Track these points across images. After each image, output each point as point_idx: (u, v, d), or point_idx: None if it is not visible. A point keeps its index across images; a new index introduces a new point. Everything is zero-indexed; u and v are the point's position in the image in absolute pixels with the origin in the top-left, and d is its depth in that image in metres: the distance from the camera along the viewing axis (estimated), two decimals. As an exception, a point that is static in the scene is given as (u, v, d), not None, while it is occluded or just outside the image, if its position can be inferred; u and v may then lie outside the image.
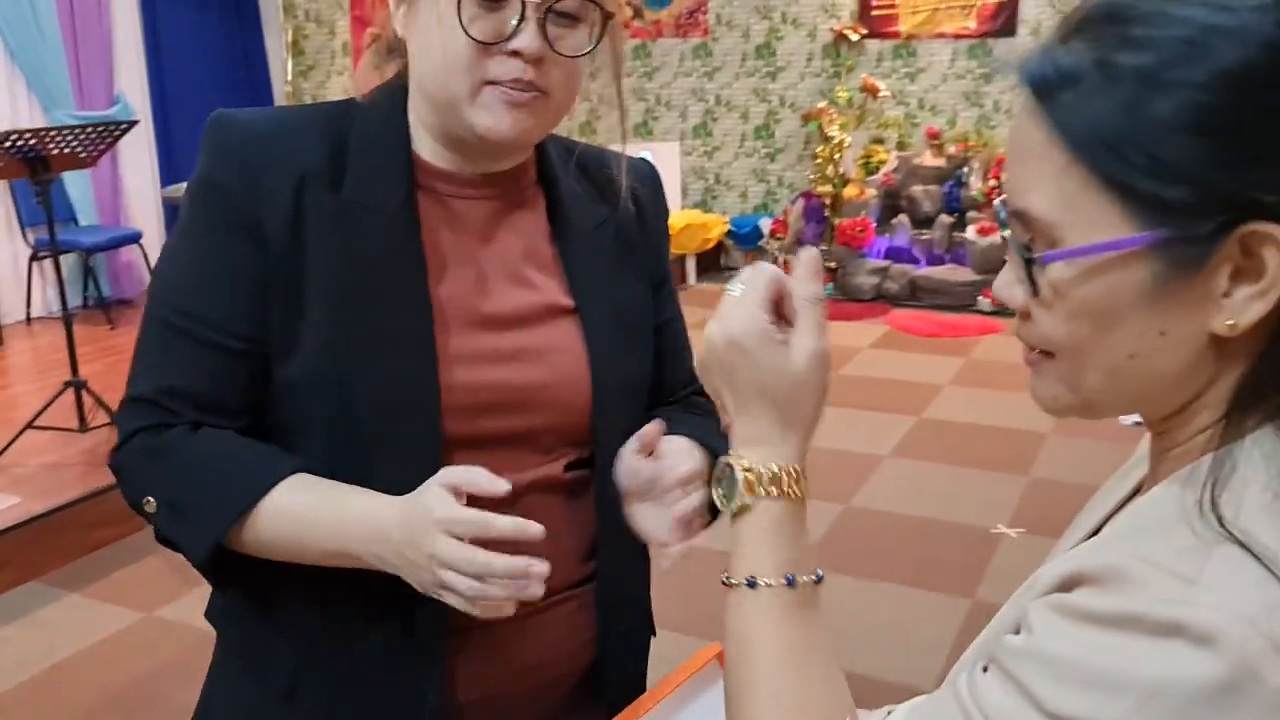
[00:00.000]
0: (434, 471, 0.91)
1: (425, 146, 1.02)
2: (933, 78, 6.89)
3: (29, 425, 3.84)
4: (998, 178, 6.46)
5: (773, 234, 7.05)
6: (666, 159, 7.48)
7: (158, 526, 1.00)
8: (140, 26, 6.29)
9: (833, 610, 3.18)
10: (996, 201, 6.28)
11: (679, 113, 7.70)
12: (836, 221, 6.85)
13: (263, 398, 0.98)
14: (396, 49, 1.03)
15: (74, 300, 5.86)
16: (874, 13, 6.92)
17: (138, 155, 6.16)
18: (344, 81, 7.10)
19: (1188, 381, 0.62)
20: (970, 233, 6.49)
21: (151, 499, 0.98)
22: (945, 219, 6.65)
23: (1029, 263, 0.62)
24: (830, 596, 3.35)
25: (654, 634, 1.21)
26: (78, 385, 3.96)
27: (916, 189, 6.77)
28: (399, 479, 0.92)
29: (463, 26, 0.92)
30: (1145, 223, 0.57)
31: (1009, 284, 0.65)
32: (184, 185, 3.18)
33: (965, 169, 6.68)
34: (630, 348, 1.09)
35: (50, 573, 3.39)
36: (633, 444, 0.98)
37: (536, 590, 0.87)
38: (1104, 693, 0.54)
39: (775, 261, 6.96)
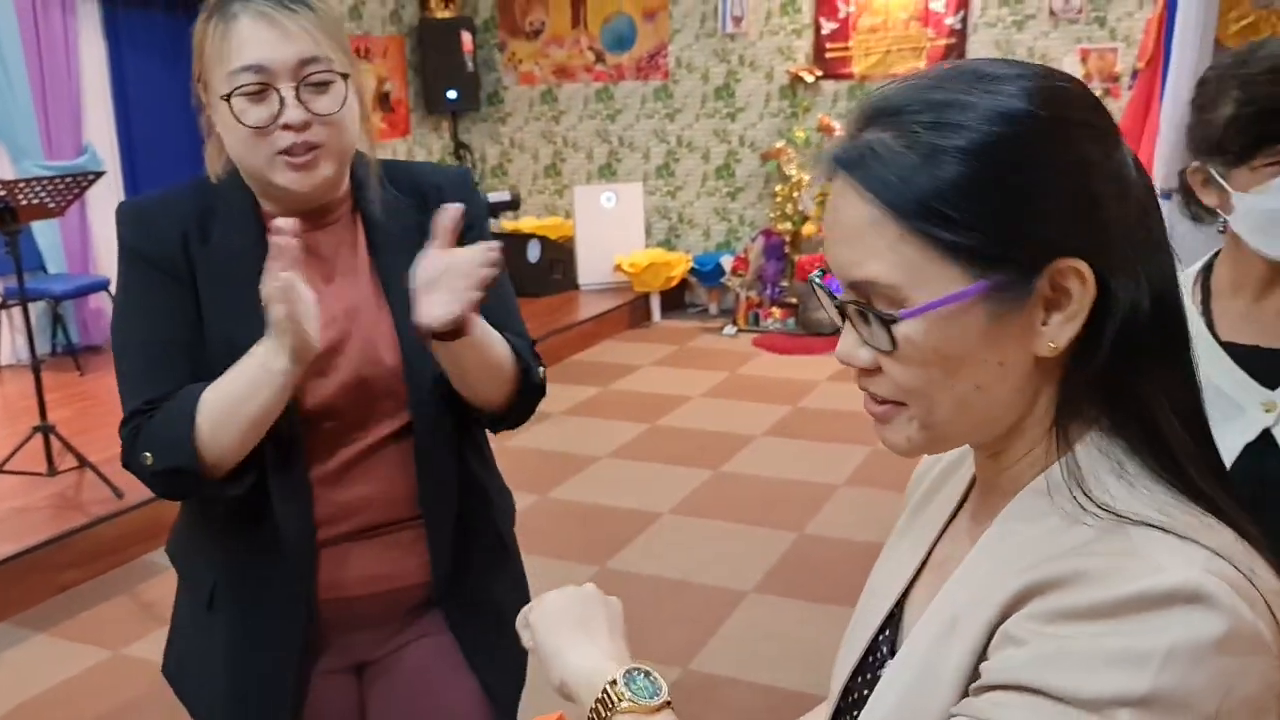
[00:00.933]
0: (293, 429, 1.31)
1: (265, 204, 1.36)
2: (886, 117, 7.08)
3: (-2, 470, 3.91)
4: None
5: (734, 271, 7.20)
6: (630, 199, 7.65)
7: (156, 465, 1.28)
8: (108, 78, 6.39)
9: (788, 633, 3.25)
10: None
11: (642, 154, 7.87)
12: (797, 258, 7.02)
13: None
14: (218, 143, 1.35)
15: (43, 347, 5.92)
16: (828, 55, 7.13)
17: (106, 204, 6.22)
18: (347, 144, 7.23)
19: (1021, 402, 0.73)
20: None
21: (148, 453, 1.28)
22: (901, 254, 6.82)
23: (887, 323, 0.70)
24: (785, 619, 3.40)
25: (517, 562, 1.58)
26: (46, 430, 4.02)
27: (873, 225, 6.94)
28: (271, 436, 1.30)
29: (238, 120, 1.25)
30: (973, 274, 0.69)
31: (853, 347, 0.74)
32: None
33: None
34: None
35: (18, 614, 3.44)
36: (434, 241, 1.26)
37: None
38: (1128, 668, 0.61)
39: (737, 298, 7.12)
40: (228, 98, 1.25)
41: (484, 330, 1.32)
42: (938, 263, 0.69)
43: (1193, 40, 3.68)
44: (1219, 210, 1.30)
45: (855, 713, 0.83)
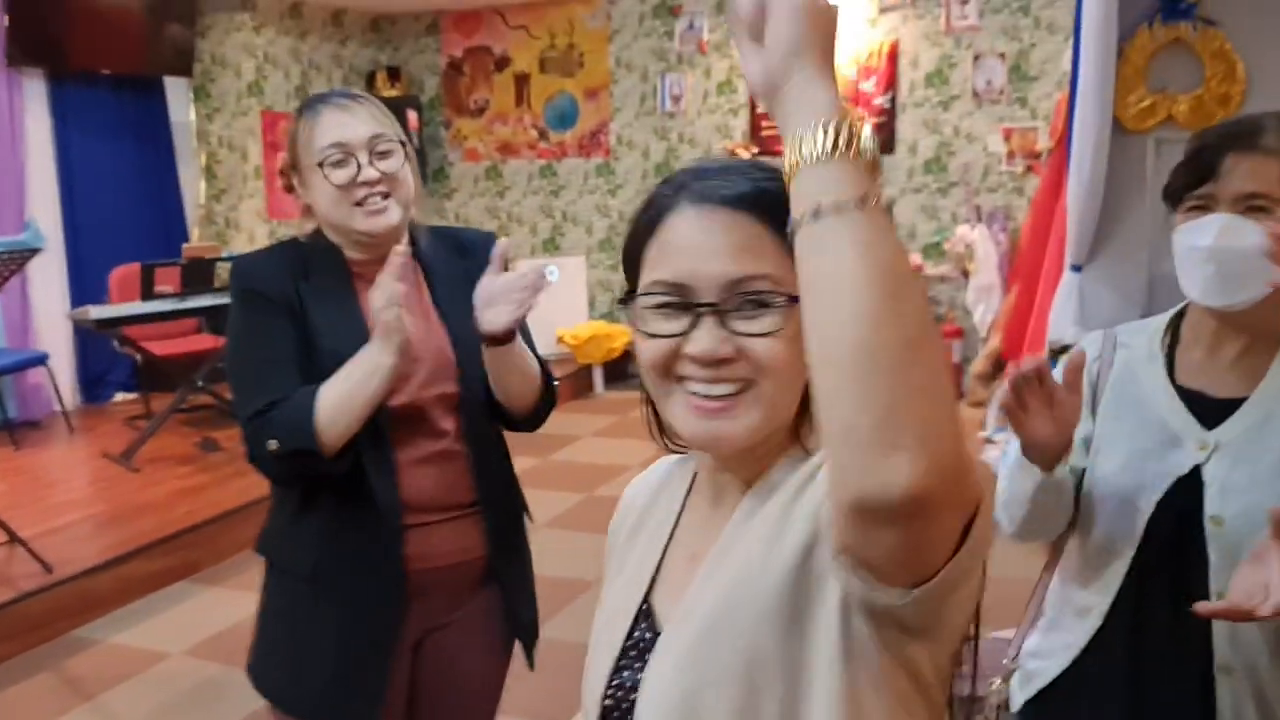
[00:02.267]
0: (382, 425, 1.64)
1: (349, 252, 1.73)
2: (821, 192, 7.32)
3: (-75, 546, 3.88)
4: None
5: (676, 341, 7.33)
6: (573, 272, 7.79)
7: (280, 450, 1.59)
8: (53, 154, 6.46)
9: None
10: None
11: (585, 228, 8.04)
12: (735, 328, 7.18)
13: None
14: (309, 209, 1.73)
15: (-21, 422, 5.89)
16: (764, 133, 7.37)
17: (48, 278, 6.26)
18: (255, 204, 7.31)
19: (799, 394, 0.87)
20: (860, 336, 6.84)
21: (273, 440, 1.59)
22: (837, 324, 7.00)
23: (791, 302, 0.81)
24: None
25: (527, 537, 1.91)
26: (-23, 505, 4.01)
27: (809, 296, 7.13)
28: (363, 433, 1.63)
29: (328, 181, 1.65)
30: None
31: (715, 342, 0.83)
32: (90, 308, 3.53)
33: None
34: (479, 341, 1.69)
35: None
36: (490, 269, 1.63)
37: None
38: None
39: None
40: (320, 165, 1.65)
41: (521, 343, 1.70)
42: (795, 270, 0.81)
43: (1093, 120, 3.89)
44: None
45: (624, 705, 0.92)
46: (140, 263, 5.47)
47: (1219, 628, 1.34)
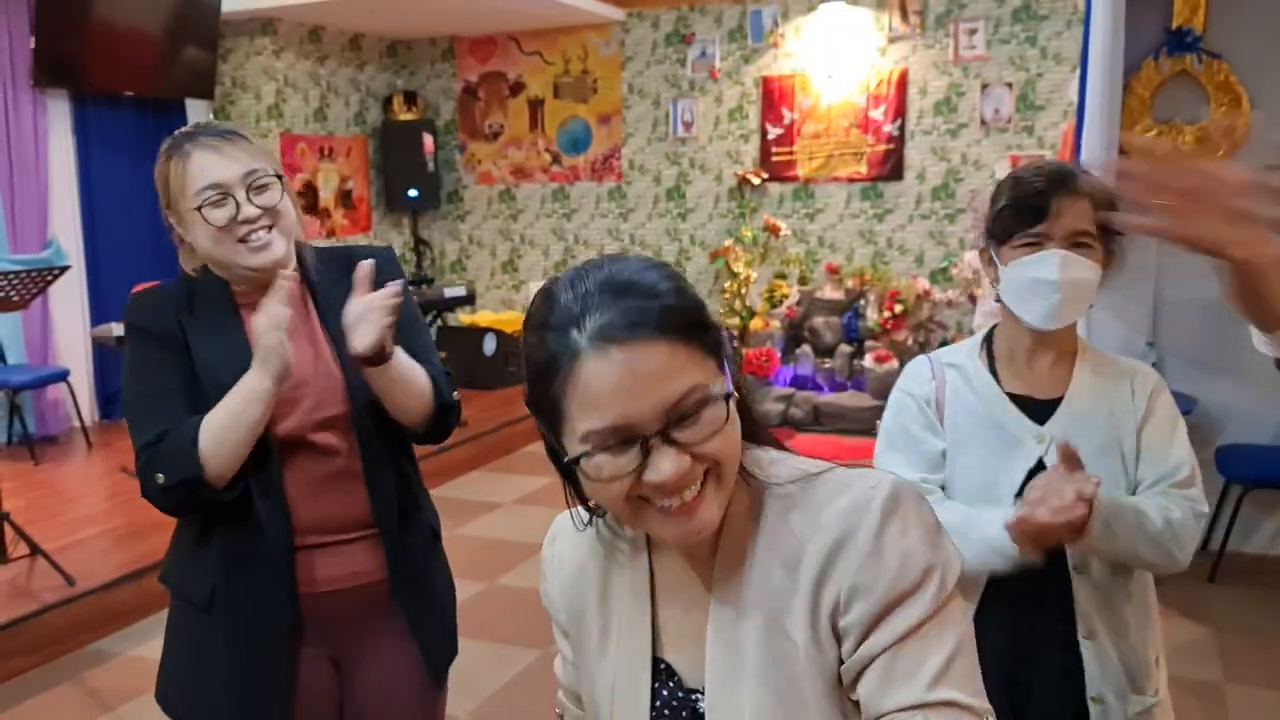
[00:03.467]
0: (269, 452, 1.66)
1: (235, 286, 1.74)
2: (830, 217, 7.41)
3: (-51, 558, 3.95)
4: (892, 309, 6.92)
5: (685, 364, 7.39)
6: (585, 294, 7.86)
7: (168, 481, 1.61)
8: (75, 174, 6.57)
9: None
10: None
11: (596, 251, 8.12)
12: (744, 351, 7.24)
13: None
14: (191, 247, 1.74)
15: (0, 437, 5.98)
16: (774, 159, 7.47)
17: (69, 297, 6.36)
18: (291, 228, 7.41)
19: None
20: (868, 360, 6.90)
21: (160, 474, 1.61)
22: (845, 348, 7.07)
23: (727, 399, 0.90)
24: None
25: (443, 556, 1.93)
26: (0, 517, 4.08)
27: (818, 320, 7.20)
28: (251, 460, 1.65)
29: (207, 222, 1.65)
30: (716, 360, 0.93)
31: (676, 463, 0.88)
32: (113, 325, 3.60)
33: (862, 301, 7.14)
34: None
35: (-35, 701, 3.47)
36: (355, 291, 1.64)
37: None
38: (916, 558, 0.91)
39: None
40: (199, 209, 1.65)
41: (403, 358, 1.71)
42: (707, 358, 0.92)
43: (1099, 151, 3.97)
44: (994, 284, 1.64)
45: None
46: (159, 281, 5.55)
47: (1080, 596, 1.61)
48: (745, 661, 0.95)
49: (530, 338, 0.93)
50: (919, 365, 1.76)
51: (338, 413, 1.72)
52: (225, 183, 1.65)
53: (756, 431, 1.01)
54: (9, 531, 4.09)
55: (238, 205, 1.65)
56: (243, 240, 1.66)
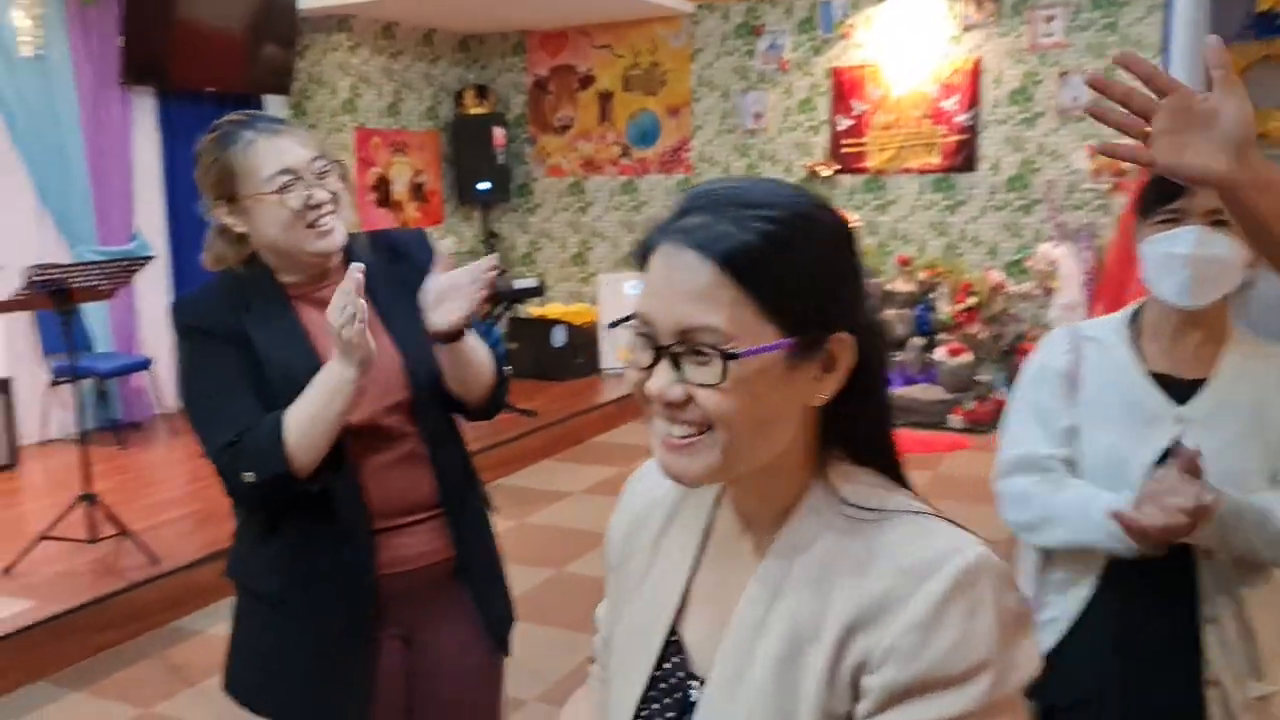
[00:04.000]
0: (341, 441, 1.65)
1: (285, 278, 1.75)
2: (901, 209, 7.34)
3: (43, 536, 4.11)
4: (965, 301, 6.83)
5: (754, 356, 7.38)
6: (653, 286, 7.89)
7: (257, 479, 1.62)
8: (160, 168, 6.77)
9: None
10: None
11: (665, 243, 8.14)
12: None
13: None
14: (240, 239, 1.74)
15: (88, 422, 6.17)
16: (844, 150, 7.41)
17: (152, 287, 6.54)
18: (349, 215, 7.54)
19: (786, 438, 0.90)
20: (940, 353, 6.82)
21: (249, 472, 1.62)
22: (917, 341, 6.99)
23: (726, 359, 0.84)
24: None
25: (493, 531, 1.94)
26: (89, 499, 4.24)
27: (889, 313, 7.13)
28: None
29: (286, 206, 1.66)
30: (784, 332, 0.86)
31: (668, 383, 0.86)
32: None
33: (934, 293, 7.06)
34: (426, 344, 1.72)
35: (57, 673, 3.61)
36: (435, 268, 1.68)
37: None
38: (972, 647, 0.83)
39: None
40: (277, 192, 1.66)
41: (473, 336, 1.74)
42: (760, 319, 0.85)
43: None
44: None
45: None
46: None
47: (1205, 579, 1.58)
48: (753, 672, 0.90)
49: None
50: (1057, 337, 1.75)
51: (402, 398, 1.74)
52: (296, 167, 1.67)
53: (862, 453, 0.94)
54: (98, 513, 4.23)
55: (309, 189, 1.67)
56: (311, 225, 1.68)
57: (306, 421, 1.61)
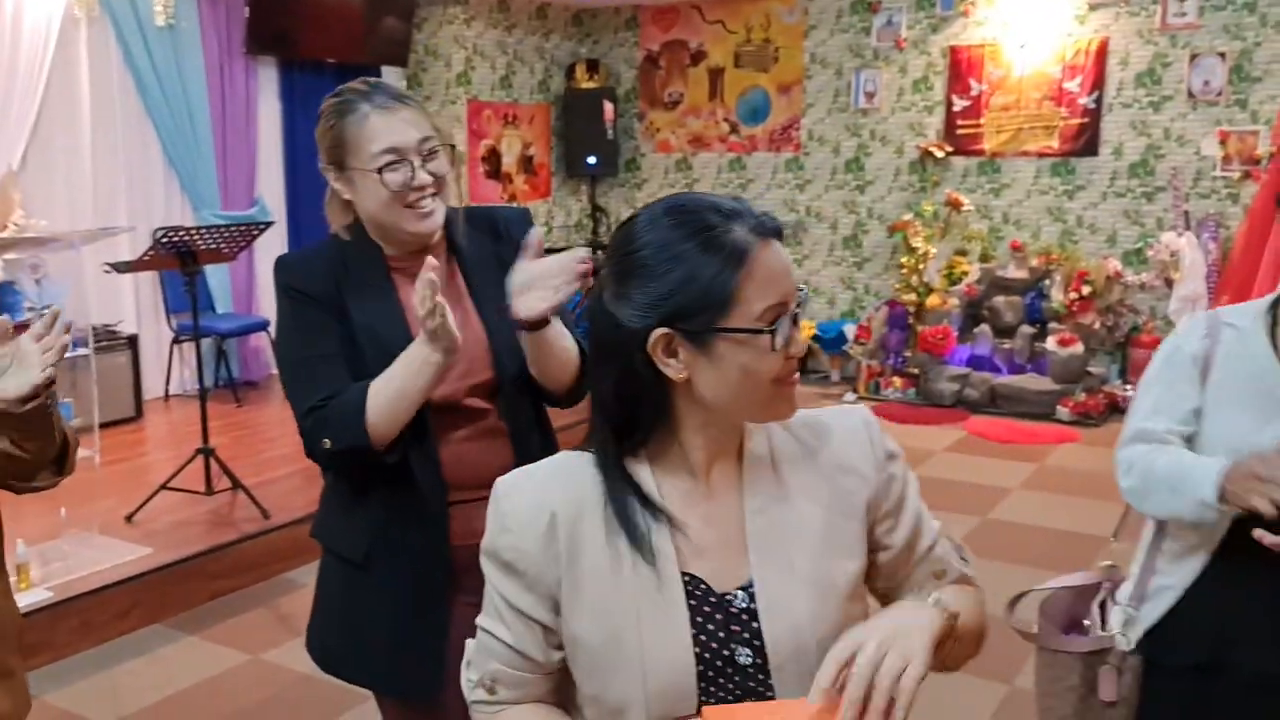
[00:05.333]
0: (424, 414, 1.67)
1: (388, 249, 1.76)
2: (1017, 193, 7.14)
3: (163, 486, 4.30)
4: (1079, 290, 6.62)
5: (857, 339, 7.30)
6: (757, 265, 7.84)
7: (334, 447, 1.65)
8: (281, 136, 6.98)
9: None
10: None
11: (771, 222, 8.07)
12: (920, 329, 7.08)
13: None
14: (347, 205, 1.76)
15: (208, 380, 6.43)
16: (959, 131, 7.24)
17: (271, 251, 6.75)
18: (459, 188, 7.67)
19: None
20: (1051, 343, 6.63)
21: (327, 439, 1.65)
22: (1026, 329, 6.81)
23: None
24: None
25: None
26: (207, 453, 4.42)
27: (999, 299, 6.96)
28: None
29: (385, 187, 1.67)
30: None
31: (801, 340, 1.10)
32: None
33: (1047, 281, 6.86)
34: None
35: (173, 617, 3.79)
36: (525, 254, 1.66)
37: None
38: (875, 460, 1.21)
39: (858, 366, 7.22)
40: (379, 170, 1.67)
41: (557, 324, 1.72)
42: None
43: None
44: None
45: (724, 660, 1.09)
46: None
47: None
48: (797, 553, 1.12)
49: (683, 245, 1.07)
50: (1197, 321, 1.79)
51: (485, 377, 1.75)
52: (403, 147, 1.66)
53: None
54: (214, 467, 4.42)
55: (413, 171, 1.67)
56: (410, 206, 1.69)
57: (390, 396, 1.64)
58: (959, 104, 7.22)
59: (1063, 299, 6.72)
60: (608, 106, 8.27)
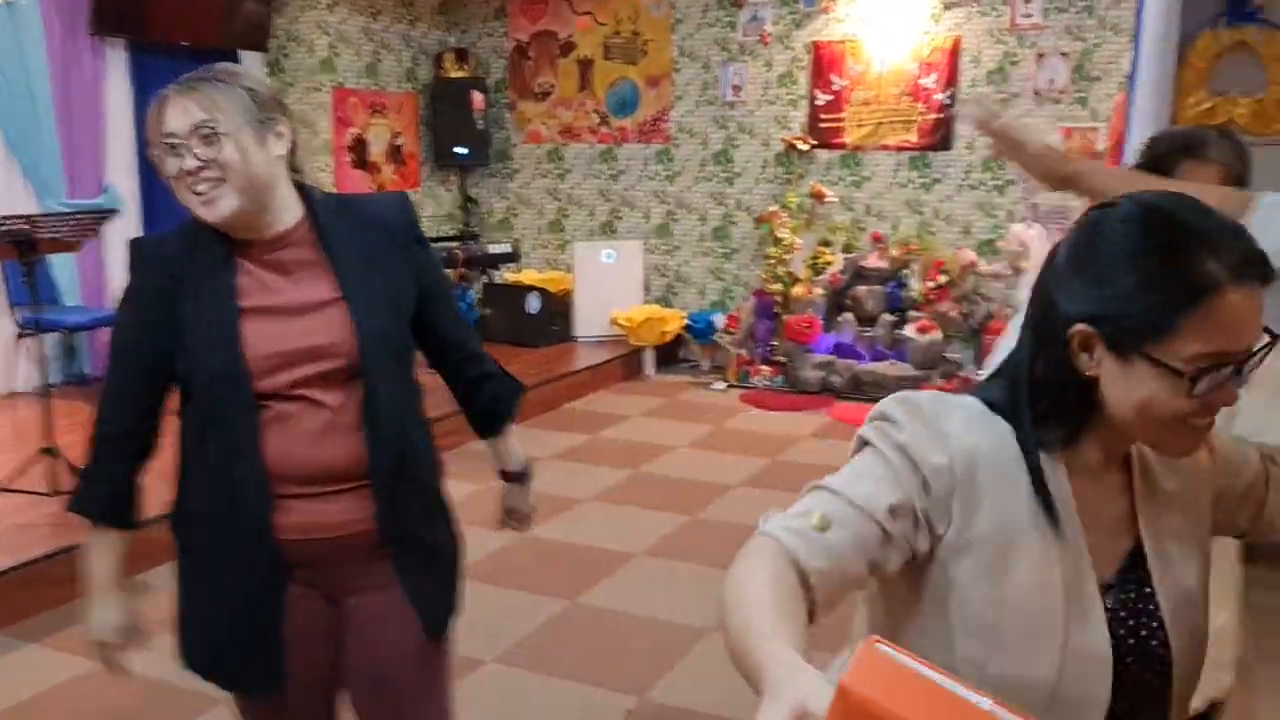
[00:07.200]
0: (248, 408, 1.66)
1: (238, 234, 1.70)
2: (877, 186, 7.35)
3: (2, 489, 4.09)
4: (936, 279, 6.87)
5: (726, 329, 7.42)
6: (630, 256, 7.90)
7: (75, 509, 1.78)
8: (133, 123, 6.69)
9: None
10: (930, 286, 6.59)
11: (642, 213, 8.14)
12: (786, 318, 7.23)
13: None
14: None
15: (55, 376, 6.14)
16: (822, 125, 7.41)
17: (124, 241, 6.49)
18: (325, 178, 7.50)
19: None
20: (910, 331, 6.87)
21: (79, 503, 1.78)
22: (888, 317, 7.03)
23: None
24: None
25: (449, 514, 1.92)
26: (50, 453, 4.22)
27: (861, 289, 7.17)
28: (217, 409, 1.68)
29: (162, 171, 1.64)
30: None
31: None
32: None
33: (906, 271, 7.09)
34: (389, 311, 1.74)
35: (14, 625, 3.61)
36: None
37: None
38: None
39: (728, 355, 7.33)
40: (157, 156, 1.66)
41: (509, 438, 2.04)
42: None
43: (1151, 122, 3.91)
44: None
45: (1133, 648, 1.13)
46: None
47: None
48: (1180, 577, 1.16)
49: (1147, 258, 1.01)
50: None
51: (340, 364, 1.70)
52: (178, 132, 1.61)
53: None
54: (60, 466, 4.22)
55: (183, 157, 1.62)
56: (194, 193, 1.63)
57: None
58: (822, 98, 7.39)
59: (921, 288, 6.96)
60: (477, 96, 8.19)
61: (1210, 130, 1.74)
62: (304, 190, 1.76)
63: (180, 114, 1.61)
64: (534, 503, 2.14)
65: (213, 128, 1.61)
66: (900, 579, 1.11)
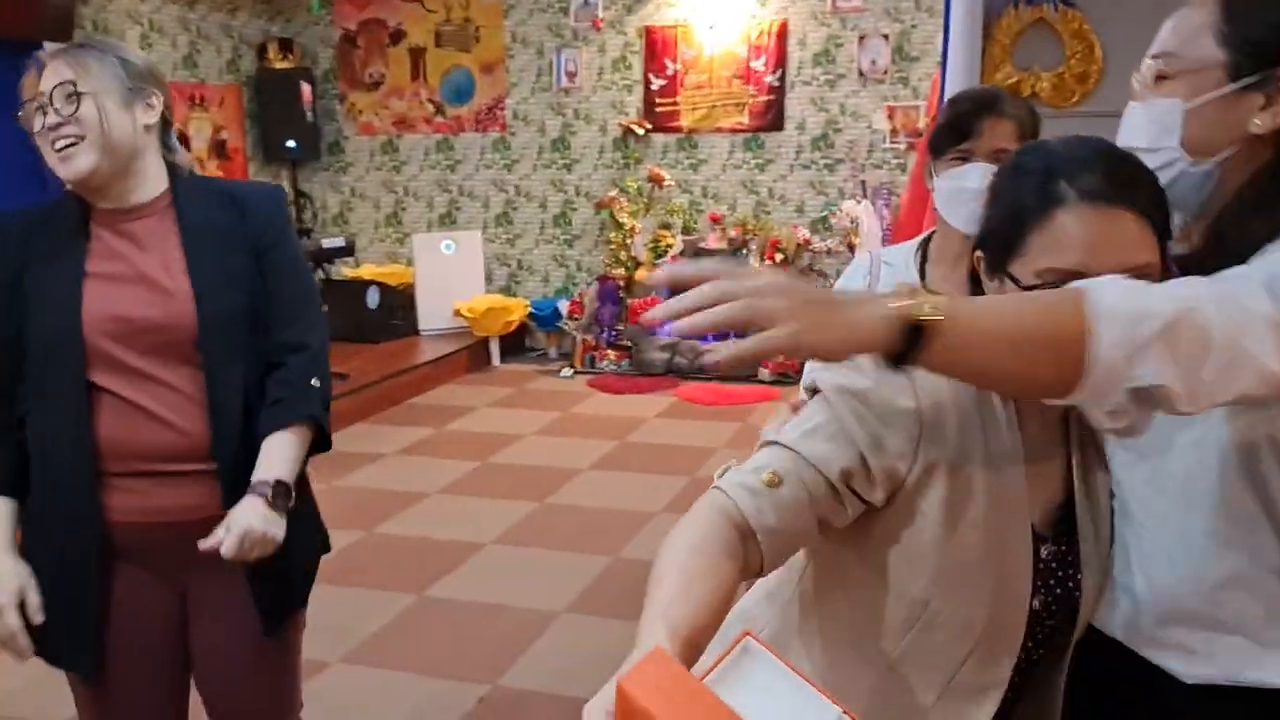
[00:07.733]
0: (78, 384, 1.66)
1: (100, 204, 1.73)
2: (713, 168, 7.47)
3: None
4: (773, 258, 7.03)
5: (571, 315, 7.43)
6: (470, 246, 7.81)
7: None
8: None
9: (595, 649, 3.37)
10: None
11: (481, 203, 8.05)
12: (630, 301, 7.28)
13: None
14: None
15: None
16: (657, 109, 7.48)
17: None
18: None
19: None
20: (751, 309, 7.00)
21: None
22: (729, 297, 7.15)
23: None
24: (594, 637, 3.52)
25: (303, 507, 1.83)
26: None
27: (702, 270, 7.26)
28: (50, 374, 1.68)
29: (28, 128, 1.68)
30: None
31: None
32: None
33: (745, 250, 7.24)
34: (232, 296, 1.73)
35: None
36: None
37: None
38: None
39: (574, 342, 7.34)
40: (25, 115, 1.69)
41: (280, 465, 1.74)
42: (1157, 243, 1.10)
43: (961, 97, 4.10)
44: (933, 192, 1.85)
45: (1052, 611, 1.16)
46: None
47: None
48: (1103, 532, 1.20)
49: (1013, 178, 1.09)
50: (861, 259, 2.00)
51: (180, 341, 1.69)
52: (44, 91, 1.66)
53: None
54: None
55: (45, 114, 1.67)
56: (55, 150, 1.67)
57: None
58: (656, 83, 7.46)
59: (759, 267, 7.10)
60: (305, 88, 7.93)
61: (1003, 89, 1.91)
62: (173, 168, 1.78)
63: (51, 74, 1.67)
64: (263, 533, 1.68)
65: (74, 86, 1.66)
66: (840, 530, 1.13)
